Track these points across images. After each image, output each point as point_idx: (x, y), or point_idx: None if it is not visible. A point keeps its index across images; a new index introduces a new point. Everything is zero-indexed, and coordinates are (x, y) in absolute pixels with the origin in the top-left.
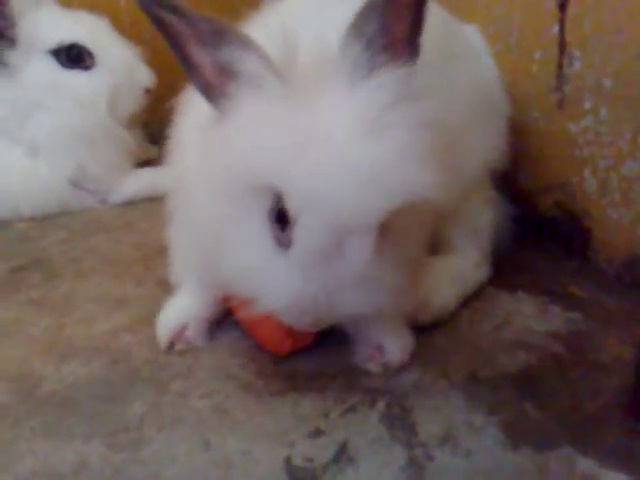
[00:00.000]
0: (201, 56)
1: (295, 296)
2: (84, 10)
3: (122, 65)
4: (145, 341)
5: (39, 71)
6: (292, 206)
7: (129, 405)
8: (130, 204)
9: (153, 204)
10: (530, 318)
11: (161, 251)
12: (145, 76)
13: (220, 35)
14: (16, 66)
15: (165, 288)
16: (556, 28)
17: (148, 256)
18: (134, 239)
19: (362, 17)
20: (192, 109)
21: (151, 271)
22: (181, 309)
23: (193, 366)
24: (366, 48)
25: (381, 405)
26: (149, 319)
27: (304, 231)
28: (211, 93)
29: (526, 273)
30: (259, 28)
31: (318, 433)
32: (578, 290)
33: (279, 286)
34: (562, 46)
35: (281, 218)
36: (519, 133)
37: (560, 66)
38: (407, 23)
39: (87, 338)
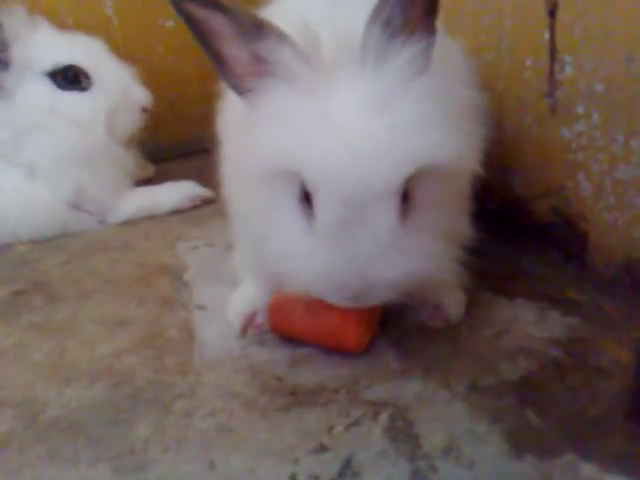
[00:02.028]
0: (234, 50)
1: (325, 268)
2: (78, 31)
3: (118, 85)
4: (148, 362)
5: (36, 93)
6: (310, 186)
7: (134, 427)
8: (129, 224)
9: (152, 223)
10: (530, 324)
11: (161, 270)
12: (141, 95)
13: (259, 28)
14: (12, 89)
15: (167, 307)
16: (546, 34)
17: (149, 275)
18: (134, 259)
19: (382, 2)
20: (228, 109)
21: (152, 290)
22: (248, 297)
23: (196, 385)
24: (385, 30)
25: (384, 418)
26: (151, 339)
27: (321, 205)
28: (241, 86)
29: (524, 278)
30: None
31: (323, 449)
32: (577, 294)
33: (309, 260)
34: (553, 52)
35: (308, 196)
36: (513, 139)
37: (552, 72)
38: (423, 4)
39: (90, 361)
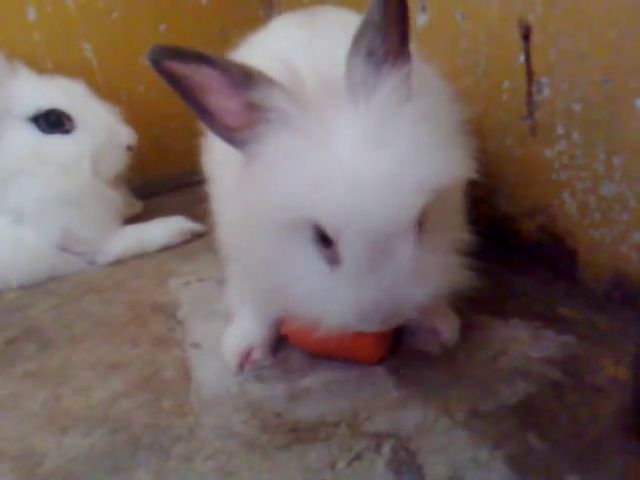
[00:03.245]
0: (223, 101)
1: (354, 304)
2: (58, 74)
3: (102, 126)
4: (144, 405)
5: (19, 138)
6: (330, 230)
7: (133, 474)
8: (119, 263)
9: (143, 260)
10: (525, 345)
11: (154, 308)
12: (125, 134)
13: (249, 77)
14: None
15: (161, 347)
16: (522, 58)
17: (141, 315)
18: (126, 298)
19: (361, 35)
20: (215, 147)
21: (146, 330)
22: (244, 333)
23: (195, 426)
24: (368, 61)
25: (386, 450)
26: (147, 381)
27: (346, 247)
28: (233, 136)
29: (517, 298)
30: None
31: None
32: (569, 311)
33: (340, 300)
34: (529, 74)
35: (325, 238)
36: (495, 160)
37: (529, 94)
38: (398, 33)
39: (86, 408)
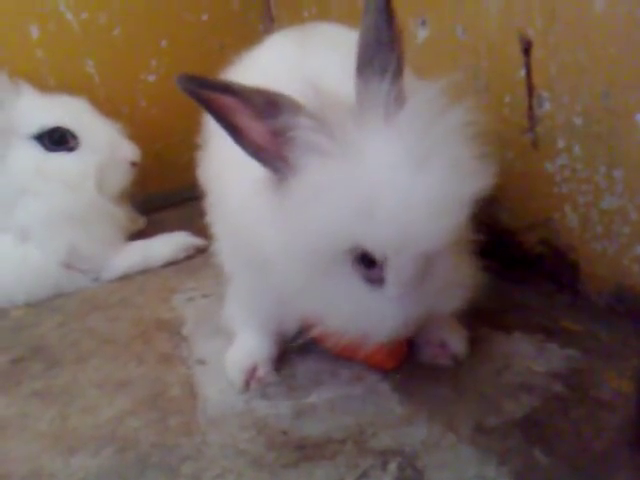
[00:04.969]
0: (253, 124)
1: (403, 320)
2: (61, 91)
3: (105, 143)
4: (152, 424)
5: (24, 157)
6: (378, 255)
7: None
8: (124, 279)
9: (147, 277)
10: (529, 359)
11: (159, 325)
12: (129, 150)
13: (275, 104)
14: None
15: (167, 364)
16: (522, 71)
17: (147, 332)
18: (131, 315)
19: (373, 54)
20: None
21: (151, 347)
22: (249, 350)
23: (202, 445)
24: (383, 80)
25: (393, 467)
26: (153, 400)
27: (395, 268)
28: (264, 156)
29: (520, 311)
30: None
31: None
32: (572, 324)
33: (387, 317)
34: (530, 89)
35: (367, 260)
36: (497, 174)
37: (530, 108)
38: (398, 52)
39: (93, 427)
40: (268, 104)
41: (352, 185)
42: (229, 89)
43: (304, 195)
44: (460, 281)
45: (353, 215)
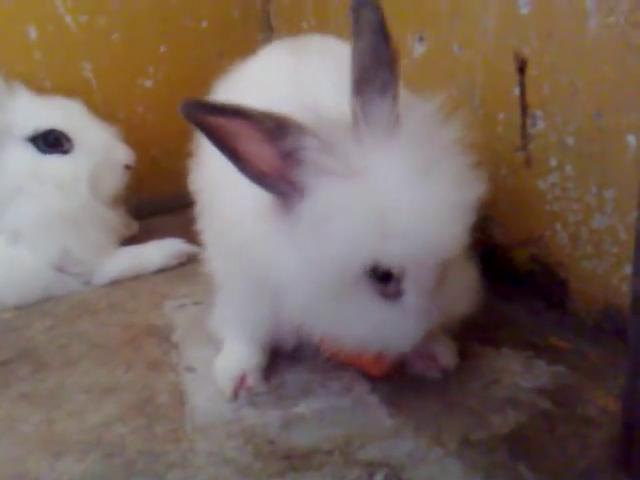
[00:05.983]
0: (257, 149)
1: (417, 331)
2: (57, 94)
3: (100, 146)
4: (139, 430)
5: (17, 158)
6: (396, 268)
7: None
8: (115, 284)
9: (138, 282)
10: (517, 375)
11: (149, 331)
12: (123, 154)
13: (283, 127)
14: None
15: (156, 370)
16: (517, 90)
17: (137, 337)
18: (121, 320)
19: (373, 74)
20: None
21: (140, 353)
22: (238, 359)
23: (188, 453)
24: (384, 99)
25: (379, 479)
26: (141, 406)
27: (415, 281)
28: (268, 181)
29: (509, 327)
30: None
31: None
32: (560, 341)
33: (406, 329)
34: (524, 107)
35: (381, 275)
36: (489, 189)
37: (524, 126)
38: (396, 70)
39: (79, 432)
40: (278, 127)
41: (364, 204)
42: (240, 113)
43: (316, 218)
44: (470, 285)
45: (369, 233)
